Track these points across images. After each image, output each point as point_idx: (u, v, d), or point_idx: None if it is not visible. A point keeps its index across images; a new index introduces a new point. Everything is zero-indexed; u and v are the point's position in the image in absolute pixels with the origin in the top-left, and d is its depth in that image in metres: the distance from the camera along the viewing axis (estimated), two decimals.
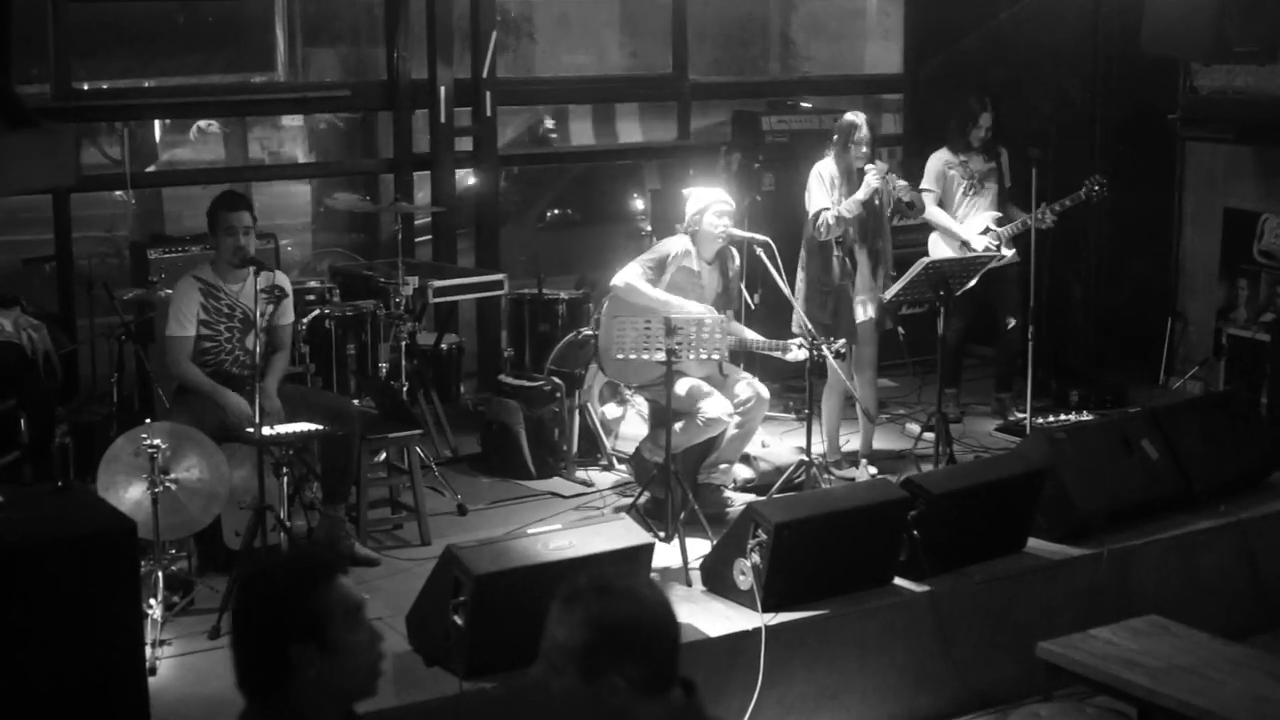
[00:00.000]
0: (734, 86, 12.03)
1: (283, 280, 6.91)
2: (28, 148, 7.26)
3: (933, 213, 8.79)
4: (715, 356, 6.86)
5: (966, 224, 8.75)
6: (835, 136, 7.85)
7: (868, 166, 7.72)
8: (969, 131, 8.78)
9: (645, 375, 7.13)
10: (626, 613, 2.81)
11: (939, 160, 8.86)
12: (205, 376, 6.63)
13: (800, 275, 7.82)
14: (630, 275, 7.23)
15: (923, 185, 8.73)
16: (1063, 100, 10.12)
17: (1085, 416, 8.70)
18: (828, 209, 7.67)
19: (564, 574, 5.37)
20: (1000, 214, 8.78)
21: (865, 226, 7.82)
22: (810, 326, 7.22)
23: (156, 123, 13.03)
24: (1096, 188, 8.61)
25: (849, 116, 7.88)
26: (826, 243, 7.71)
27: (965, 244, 8.68)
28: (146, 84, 11.45)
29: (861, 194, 7.68)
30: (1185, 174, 9.84)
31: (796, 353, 7.20)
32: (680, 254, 7.29)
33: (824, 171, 7.80)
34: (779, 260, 7.12)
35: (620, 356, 6.83)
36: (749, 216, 9.14)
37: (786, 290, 7.28)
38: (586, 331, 8.36)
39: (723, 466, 7.36)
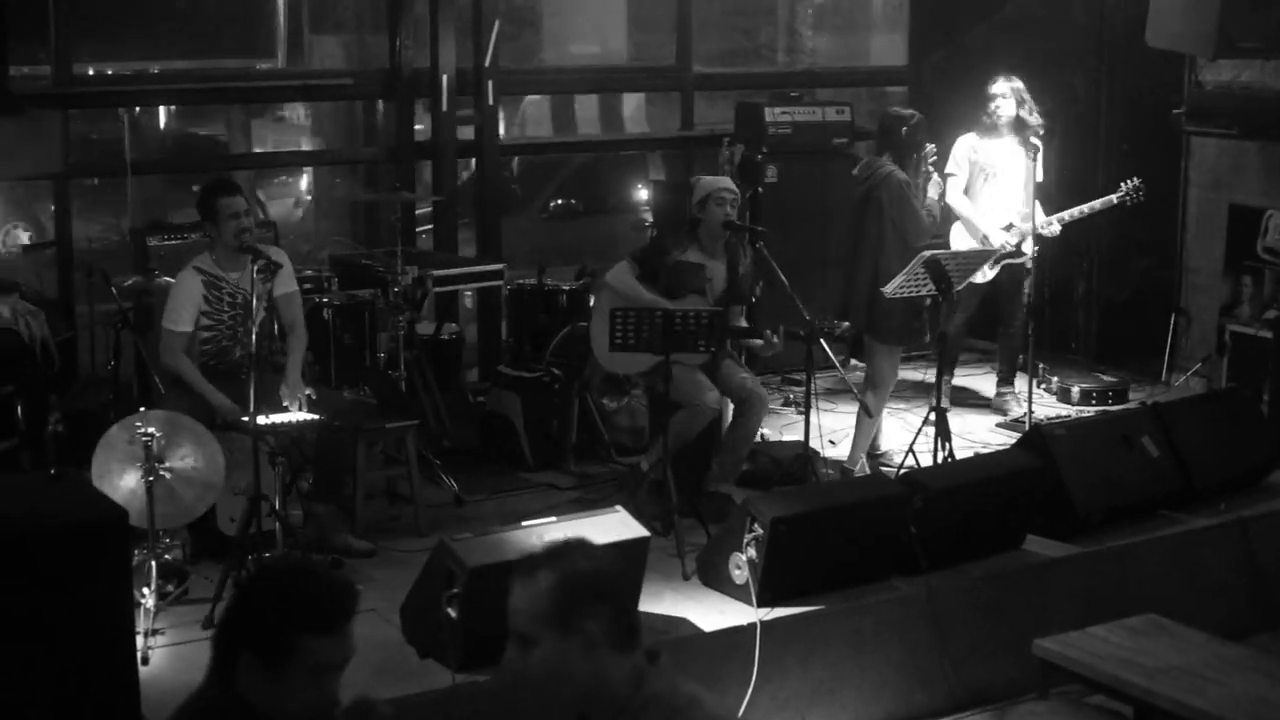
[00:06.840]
0: (738, 78, 11.97)
1: (277, 254, 6.72)
2: (15, 135, 7.29)
3: (958, 201, 8.59)
4: (712, 350, 6.83)
5: (983, 212, 8.58)
6: (907, 137, 7.61)
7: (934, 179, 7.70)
8: (991, 114, 8.53)
9: (636, 365, 7.10)
10: (586, 566, 2.97)
11: (965, 145, 8.64)
12: (197, 373, 6.57)
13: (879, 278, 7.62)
14: (620, 271, 7.19)
15: (948, 169, 8.50)
16: (1067, 94, 10.07)
17: (1087, 413, 8.66)
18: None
19: None
20: (1027, 210, 8.43)
21: None
22: (809, 317, 6.99)
23: (162, 109, 13.01)
24: (1134, 191, 8.47)
25: (913, 117, 7.70)
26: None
27: (986, 237, 8.54)
28: (155, 69, 11.42)
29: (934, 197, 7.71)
30: (1189, 169, 9.78)
31: (771, 344, 7.03)
32: (674, 249, 7.23)
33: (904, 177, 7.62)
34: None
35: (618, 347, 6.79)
36: (751, 209, 9.10)
37: (785, 284, 7.20)
38: (585, 324, 8.32)
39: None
